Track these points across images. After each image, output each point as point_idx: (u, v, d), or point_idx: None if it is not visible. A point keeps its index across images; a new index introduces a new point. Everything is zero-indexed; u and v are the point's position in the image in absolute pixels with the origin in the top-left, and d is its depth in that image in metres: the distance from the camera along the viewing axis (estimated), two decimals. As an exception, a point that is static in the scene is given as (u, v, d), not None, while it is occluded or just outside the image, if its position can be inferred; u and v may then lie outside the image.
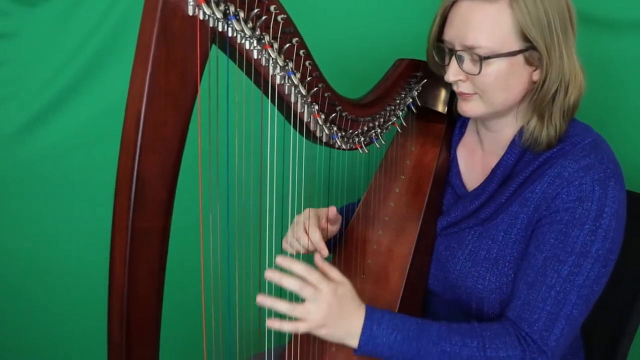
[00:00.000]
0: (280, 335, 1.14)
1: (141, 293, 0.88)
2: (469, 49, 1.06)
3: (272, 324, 1.00)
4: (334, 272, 1.05)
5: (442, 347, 1.02)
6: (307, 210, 1.20)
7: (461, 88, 1.11)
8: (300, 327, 1.01)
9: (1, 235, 1.77)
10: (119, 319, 0.87)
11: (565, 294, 1.03)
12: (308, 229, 1.18)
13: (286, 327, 1.01)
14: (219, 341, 1.07)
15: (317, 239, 1.17)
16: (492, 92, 1.08)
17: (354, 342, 1.03)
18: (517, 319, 1.05)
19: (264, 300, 1.00)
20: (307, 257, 1.18)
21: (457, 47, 1.07)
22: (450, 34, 1.09)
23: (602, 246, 1.03)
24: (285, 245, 1.22)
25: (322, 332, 1.02)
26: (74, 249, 1.77)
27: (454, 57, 1.09)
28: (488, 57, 1.04)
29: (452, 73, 1.09)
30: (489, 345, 1.03)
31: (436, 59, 1.14)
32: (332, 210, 1.19)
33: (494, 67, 1.05)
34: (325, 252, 1.17)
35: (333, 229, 1.23)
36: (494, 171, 1.16)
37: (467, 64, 1.08)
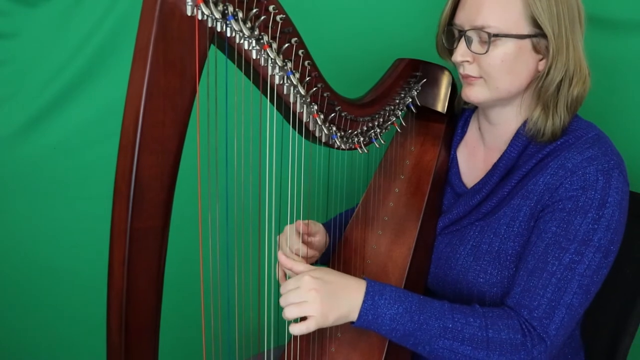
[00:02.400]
0: (279, 335, 1.14)
1: (140, 294, 0.87)
2: (479, 29, 1.07)
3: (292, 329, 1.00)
4: (301, 266, 1.05)
5: (444, 322, 1.01)
6: (286, 226, 1.19)
7: (467, 70, 1.12)
8: (310, 325, 1.00)
9: (1, 235, 1.77)
10: (117, 319, 0.87)
11: (566, 282, 1.02)
12: (291, 246, 1.18)
13: (297, 329, 1.00)
14: (218, 342, 1.07)
15: (298, 249, 1.17)
16: (497, 75, 1.09)
17: (356, 314, 1.01)
18: (517, 306, 1.05)
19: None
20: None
21: (467, 28, 1.09)
22: (461, 17, 1.10)
23: (604, 236, 1.03)
24: (280, 275, 1.19)
25: (331, 319, 1.00)
26: (73, 249, 1.77)
27: (462, 38, 1.10)
28: (497, 36, 1.05)
29: (460, 53, 1.10)
30: (491, 326, 1.02)
31: (445, 43, 1.15)
32: (298, 225, 1.18)
33: (501, 49, 1.07)
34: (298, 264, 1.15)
35: (317, 239, 1.23)
36: (496, 165, 1.16)
37: (475, 45, 1.09)
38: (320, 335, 1.17)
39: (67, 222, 1.76)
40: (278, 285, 1.08)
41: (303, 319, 1.01)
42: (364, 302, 1.01)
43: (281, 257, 1.07)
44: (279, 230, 1.09)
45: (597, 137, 1.10)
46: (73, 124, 1.71)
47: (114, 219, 0.85)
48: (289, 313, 1.00)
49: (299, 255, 1.17)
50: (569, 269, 1.03)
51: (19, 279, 1.78)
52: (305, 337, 1.17)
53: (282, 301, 1.01)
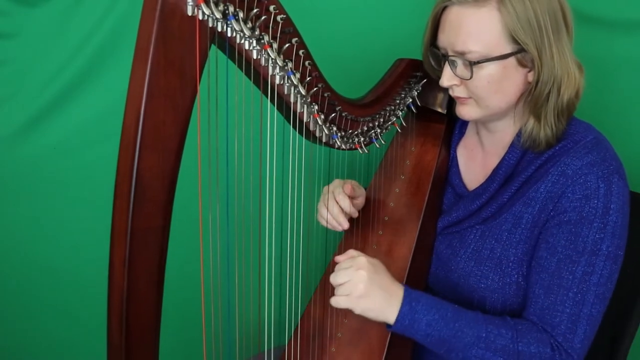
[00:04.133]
0: (280, 335, 1.14)
1: (141, 293, 0.87)
2: (461, 54, 1.06)
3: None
4: (354, 252, 1.08)
5: (478, 332, 1.03)
6: (335, 181, 1.23)
7: (456, 92, 1.12)
8: (342, 301, 1.03)
9: (1, 235, 1.77)
10: (118, 319, 0.87)
11: (583, 294, 1.04)
12: (339, 201, 1.20)
13: (333, 300, 1.04)
14: (219, 341, 1.07)
15: (346, 206, 1.20)
16: (486, 96, 1.09)
17: (392, 315, 1.03)
18: (540, 322, 1.06)
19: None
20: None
21: (450, 53, 1.08)
22: (442, 40, 1.10)
23: (612, 243, 1.04)
24: (322, 221, 1.23)
25: (362, 305, 1.03)
26: (74, 249, 1.77)
27: (447, 63, 1.09)
28: (479, 62, 1.05)
29: (446, 78, 1.10)
30: (521, 339, 1.04)
31: (432, 63, 1.15)
32: (347, 188, 1.20)
33: (485, 71, 1.06)
34: (346, 224, 1.20)
35: (357, 202, 1.25)
36: (495, 171, 1.16)
37: (460, 69, 1.08)
38: (321, 335, 1.17)
39: (67, 222, 1.76)
40: (278, 285, 1.08)
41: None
42: (402, 306, 1.03)
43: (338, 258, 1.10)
44: (280, 229, 1.09)
45: (596, 140, 1.10)
46: (73, 124, 1.71)
47: (115, 218, 0.85)
48: (338, 302, 1.04)
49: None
50: (583, 282, 1.04)
51: (19, 279, 1.78)
52: (306, 337, 1.18)
53: (332, 279, 1.05)
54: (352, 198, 1.22)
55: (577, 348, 1.04)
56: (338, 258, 1.09)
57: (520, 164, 1.14)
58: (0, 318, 1.80)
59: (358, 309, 1.04)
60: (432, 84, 1.25)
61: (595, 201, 1.04)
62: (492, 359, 1.03)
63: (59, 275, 1.78)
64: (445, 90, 1.24)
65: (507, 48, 1.05)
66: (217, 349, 1.05)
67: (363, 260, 1.04)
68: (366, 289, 1.02)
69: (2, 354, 1.83)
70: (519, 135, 1.13)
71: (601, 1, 1.56)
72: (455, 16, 1.06)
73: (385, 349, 1.11)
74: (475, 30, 1.04)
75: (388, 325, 1.05)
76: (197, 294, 0.96)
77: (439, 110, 1.26)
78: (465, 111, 1.13)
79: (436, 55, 1.13)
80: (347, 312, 1.18)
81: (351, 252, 1.08)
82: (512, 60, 1.06)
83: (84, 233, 1.75)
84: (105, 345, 0.90)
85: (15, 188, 1.74)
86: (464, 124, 1.28)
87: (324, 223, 1.23)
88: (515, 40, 1.04)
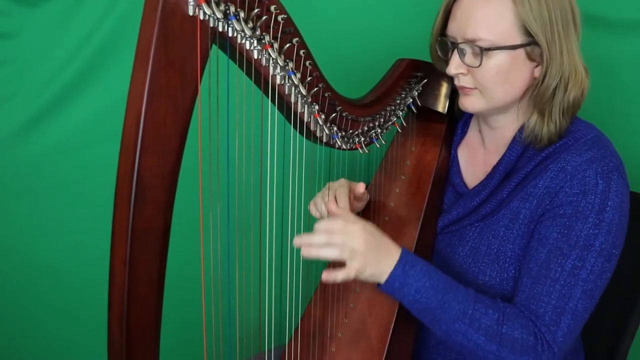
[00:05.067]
0: (280, 335, 1.14)
1: (141, 293, 0.88)
2: (471, 42, 1.07)
3: (324, 275, 1.03)
4: (352, 216, 1.07)
5: (465, 307, 1.03)
6: (341, 179, 1.23)
7: (462, 82, 1.12)
8: (350, 274, 1.02)
9: (1, 235, 1.77)
10: (119, 319, 0.87)
11: (570, 288, 1.03)
12: (337, 197, 1.19)
13: (341, 275, 1.02)
14: (219, 341, 1.07)
15: (343, 206, 1.19)
16: (492, 87, 1.09)
17: (384, 276, 1.04)
18: (525, 312, 1.06)
19: (300, 241, 1.02)
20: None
21: (459, 40, 1.08)
22: (453, 28, 1.10)
23: (606, 240, 1.03)
24: (312, 209, 1.23)
25: (367, 274, 1.03)
26: (74, 249, 1.77)
27: (456, 50, 1.09)
28: (489, 49, 1.05)
29: (454, 66, 1.10)
30: (506, 322, 1.03)
31: (439, 53, 1.15)
32: (361, 187, 1.19)
33: (494, 61, 1.06)
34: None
35: (359, 205, 1.25)
36: (495, 168, 1.16)
37: (469, 57, 1.08)
38: (321, 335, 1.17)
39: (67, 222, 1.76)
40: (279, 285, 1.09)
41: (335, 264, 1.04)
42: (395, 268, 1.03)
43: (332, 208, 1.08)
44: (280, 229, 1.09)
45: (596, 138, 1.10)
46: (73, 124, 1.71)
47: (116, 218, 0.85)
48: (327, 253, 1.02)
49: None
50: (572, 275, 1.03)
51: (19, 279, 1.78)
52: (306, 337, 1.18)
53: (325, 237, 1.02)
54: (357, 200, 1.22)
55: (559, 342, 1.03)
56: (331, 207, 1.08)
57: (521, 161, 1.14)
58: (0, 318, 1.80)
59: (361, 278, 1.04)
60: (433, 84, 1.25)
61: (593, 197, 1.03)
62: (473, 336, 1.03)
63: (59, 275, 1.78)
64: (446, 90, 1.25)
65: (518, 39, 1.05)
66: (217, 348, 1.05)
67: (355, 228, 1.03)
68: (366, 259, 1.02)
69: (2, 354, 1.83)
70: (520, 131, 1.13)
71: (602, 1, 1.57)
72: (467, 5, 1.07)
73: (386, 349, 1.12)
74: (487, 19, 1.05)
75: (377, 285, 1.06)
76: (198, 294, 0.96)
77: (439, 110, 1.26)
78: (469, 103, 1.13)
79: (444, 45, 1.13)
80: (348, 312, 1.18)
81: (346, 216, 1.07)
82: (521, 52, 1.06)
83: (84, 233, 1.75)
84: (105, 345, 0.90)
85: (15, 188, 1.74)
86: (466, 123, 1.28)
87: (317, 215, 1.22)
88: (526, 32, 1.05)
